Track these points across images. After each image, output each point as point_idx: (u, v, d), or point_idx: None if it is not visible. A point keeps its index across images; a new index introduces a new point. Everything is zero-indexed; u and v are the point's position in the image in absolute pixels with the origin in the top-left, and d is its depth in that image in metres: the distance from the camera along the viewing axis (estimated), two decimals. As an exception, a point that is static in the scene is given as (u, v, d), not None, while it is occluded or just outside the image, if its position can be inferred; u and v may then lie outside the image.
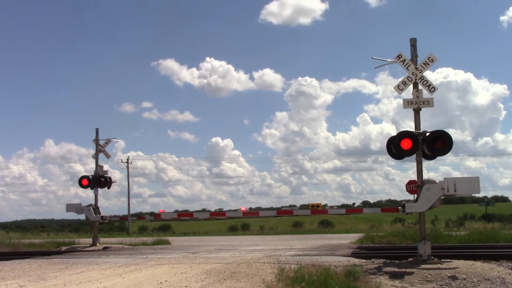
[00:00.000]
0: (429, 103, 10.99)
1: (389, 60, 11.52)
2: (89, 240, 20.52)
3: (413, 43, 11.34)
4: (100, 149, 20.09)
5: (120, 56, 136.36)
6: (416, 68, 11.06)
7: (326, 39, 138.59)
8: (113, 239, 25.94)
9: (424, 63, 11.08)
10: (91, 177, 19.35)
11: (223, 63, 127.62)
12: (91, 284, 8.50)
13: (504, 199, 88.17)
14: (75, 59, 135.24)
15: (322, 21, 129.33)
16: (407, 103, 11.04)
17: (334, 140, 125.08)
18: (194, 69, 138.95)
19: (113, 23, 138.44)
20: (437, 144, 10.67)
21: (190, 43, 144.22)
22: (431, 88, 11.00)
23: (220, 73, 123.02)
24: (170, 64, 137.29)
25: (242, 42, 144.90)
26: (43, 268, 11.53)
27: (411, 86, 11.12)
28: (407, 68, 11.11)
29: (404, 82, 11.13)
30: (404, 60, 11.15)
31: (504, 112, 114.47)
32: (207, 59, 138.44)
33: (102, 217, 18.97)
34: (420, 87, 11.06)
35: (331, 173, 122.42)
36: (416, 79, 11.05)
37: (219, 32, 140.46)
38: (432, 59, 11.08)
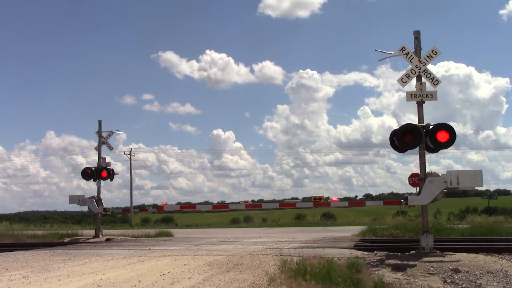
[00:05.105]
0: (432, 96, 10.93)
1: (392, 52, 11.46)
2: (92, 232, 20.60)
3: (417, 35, 11.26)
4: (103, 141, 20.10)
5: (120, 48, 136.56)
6: (420, 61, 10.99)
7: (326, 32, 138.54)
8: (115, 231, 26.04)
9: (427, 56, 11.01)
10: (93, 169, 19.39)
11: (223, 55, 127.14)
12: (94, 276, 8.53)
13: (506, 193, 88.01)
14: (75, 52, 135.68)
15: (320, 14, 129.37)
16: (411, 96, 10.98)
17: (335, 133, 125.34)
18: (194, 62, 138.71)
19: (113, 16, 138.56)
20: (440, 137, 10.63)
21: (189, 36, 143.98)
22: (434, 81, 10.94)
23: (220, 65, 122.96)
24: (170, 57, 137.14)
25: (242, 35, 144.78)
26: (46, 259, 11.57)
27: (414, 79, 11.07)
28: (410, 60, 11.05)
29: (407, 75, 11.07)
30: (408, 53, 11.08)
31: (506, 106, 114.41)
32: (207, 51, 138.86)
33: (104, 209, 19.03)
34: (423, 80, 11.00)
35: (332, 166, 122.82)
36: (419, 72, 10.99)
37: (219, 24, 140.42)
38: (435, 51, 11.02)
